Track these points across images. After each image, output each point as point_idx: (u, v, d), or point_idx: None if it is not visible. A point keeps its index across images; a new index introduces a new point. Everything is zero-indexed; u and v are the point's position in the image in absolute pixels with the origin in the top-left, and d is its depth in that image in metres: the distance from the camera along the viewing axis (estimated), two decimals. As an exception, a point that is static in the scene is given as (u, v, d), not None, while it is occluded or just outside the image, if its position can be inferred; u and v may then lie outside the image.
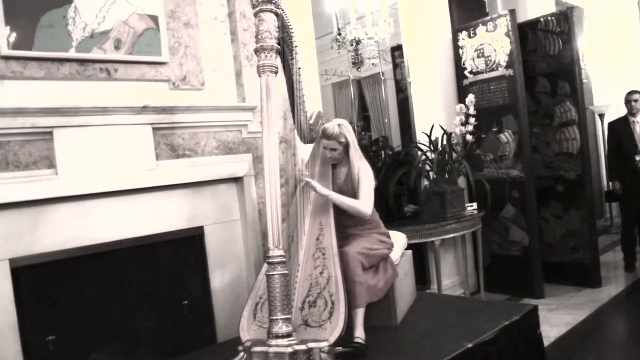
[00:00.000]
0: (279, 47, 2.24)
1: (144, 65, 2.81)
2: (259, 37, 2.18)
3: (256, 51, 2.20)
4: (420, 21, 4.61)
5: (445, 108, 4.75)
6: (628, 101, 5.27)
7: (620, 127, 5.28)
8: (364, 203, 2.61)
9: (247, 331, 2.36)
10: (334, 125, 2.67)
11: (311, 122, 2.76)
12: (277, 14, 2.23)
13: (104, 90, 2.66)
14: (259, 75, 2.20)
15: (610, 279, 4.97)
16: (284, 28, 2.42)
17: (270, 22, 2.18)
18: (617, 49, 7.38)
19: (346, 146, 2.69)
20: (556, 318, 4.03)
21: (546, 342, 3.16)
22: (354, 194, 2.66)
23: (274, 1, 2.18)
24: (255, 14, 2.19)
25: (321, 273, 2.38)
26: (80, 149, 2.52)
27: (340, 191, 2.71)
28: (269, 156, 2.18)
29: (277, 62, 2.26)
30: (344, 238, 2.62)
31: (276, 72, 2.23)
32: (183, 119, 2.85)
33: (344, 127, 2.68)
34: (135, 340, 2.76)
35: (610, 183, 5.54)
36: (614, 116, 6.12)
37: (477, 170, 4.55)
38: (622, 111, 5.59)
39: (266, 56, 2.18)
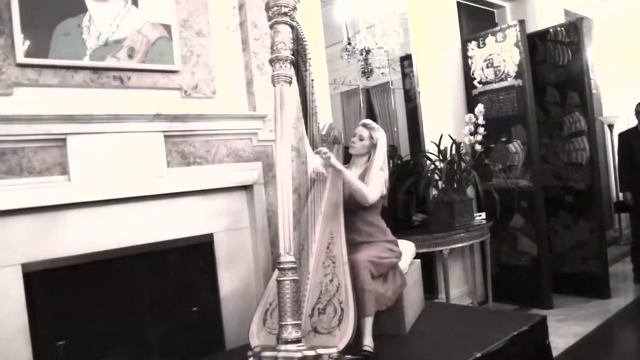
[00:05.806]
0: (293, 58, 2.27)
1: (157, 74, 2.84)
2: (274, 48, 2.21)
3: (271, 61, 2.23)
4: (429, 31, 4.63)
5: (454, 118, 4.75)
6: (638, 112, 5.24)
7: (631, 138, 5.27)
8: (371, 189, 2.68)
9: (257, 337, 2.37)
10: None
11: (323, 133, 2.77)
12: (292, 27, 2.26)
13: (117, 98, 2.69)
14: (274, 85, 2.23)
15: (619, 290, 4.94)
16: (298, 40, 2.45)
17: (285, 34, 2.21)
18: (627, 60, 7.36)
19: (373, 147, 2.81)
20: (565, 329, 4.01)
21: (555, 353, 3.15)
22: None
23: (289, 14, 2.21)
24: (271, 26, 2.22)
25: (331, 281, 2.39)
26: (93, 156, 2.54)
27: (349, 198, 2.72)
28: (282, 163, 2.20)
29: (292, 72, 2.28)
30: (352, 246, 2.63)
31: (290, 82, 2.25)
32: (194, 127, 2.87)
33: (381, 132, 2.84)
34: (145, 346, 2.77)
35: (621, 194, 5.52)
36: (623, 127, 6.11)
37: (485, 180, 4.54)
38: (632, 122, 5.57)
39: (281, 66, 2.20)
